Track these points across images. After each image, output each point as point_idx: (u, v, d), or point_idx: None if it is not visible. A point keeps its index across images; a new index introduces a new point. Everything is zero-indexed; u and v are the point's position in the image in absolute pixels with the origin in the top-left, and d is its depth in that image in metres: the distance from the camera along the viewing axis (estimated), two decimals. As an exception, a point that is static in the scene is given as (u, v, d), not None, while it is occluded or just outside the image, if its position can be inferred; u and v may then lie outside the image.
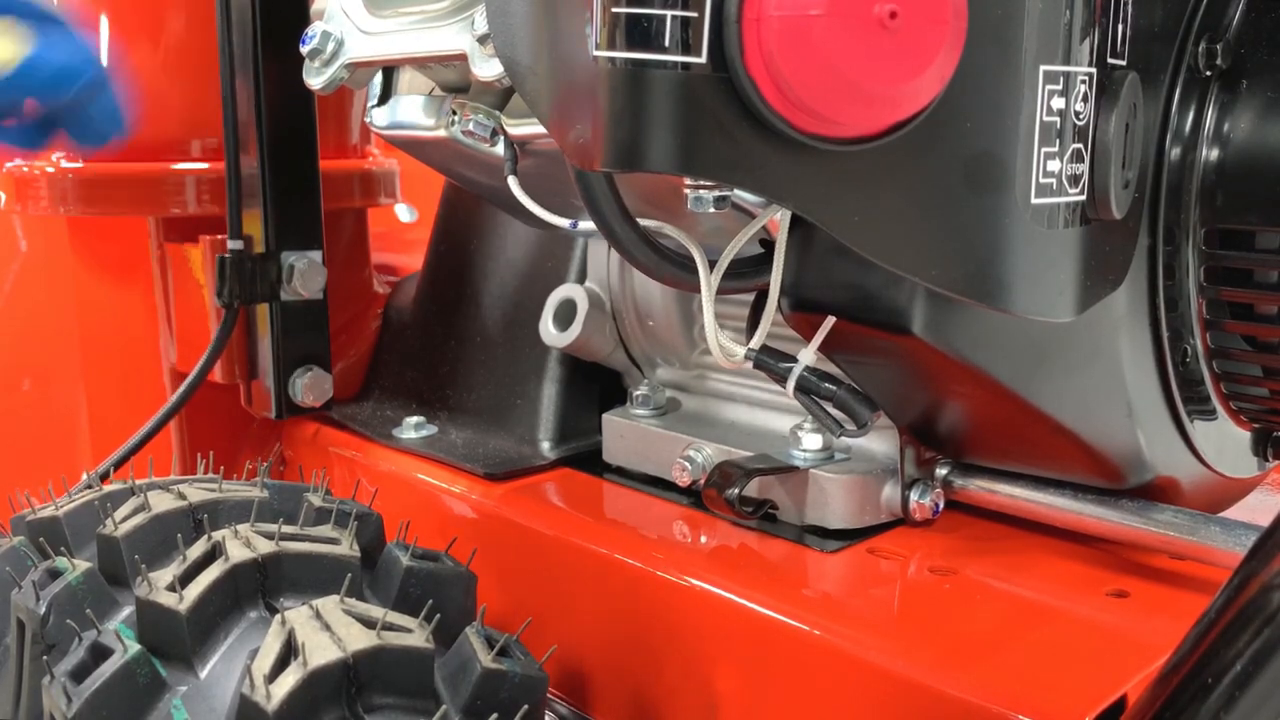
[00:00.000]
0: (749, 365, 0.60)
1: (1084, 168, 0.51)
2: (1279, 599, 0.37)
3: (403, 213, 1.43)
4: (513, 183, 0.66)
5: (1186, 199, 0.58)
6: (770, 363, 0.61)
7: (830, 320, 0.58)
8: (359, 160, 1.17)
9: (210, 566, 0.51)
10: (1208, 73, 0.58)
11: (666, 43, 0.44)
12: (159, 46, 1.06)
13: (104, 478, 0.72)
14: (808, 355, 0.60)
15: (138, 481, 0.62)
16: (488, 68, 0.59)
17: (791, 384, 0.60)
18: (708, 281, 0.58)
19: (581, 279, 0.85)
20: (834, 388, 0.60)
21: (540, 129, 0.61)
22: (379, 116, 0.72)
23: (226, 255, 0.93)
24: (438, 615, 0.50)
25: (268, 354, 0.93)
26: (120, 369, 1.07)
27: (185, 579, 0.51)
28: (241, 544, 0.53)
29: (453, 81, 0.68)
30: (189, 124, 1.06)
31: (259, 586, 0.52)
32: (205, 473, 0.66)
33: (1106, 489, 0.63)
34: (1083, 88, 0.50)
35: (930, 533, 0.67)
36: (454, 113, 0.67)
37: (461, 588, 0.56)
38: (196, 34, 1.01)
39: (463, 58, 0.61)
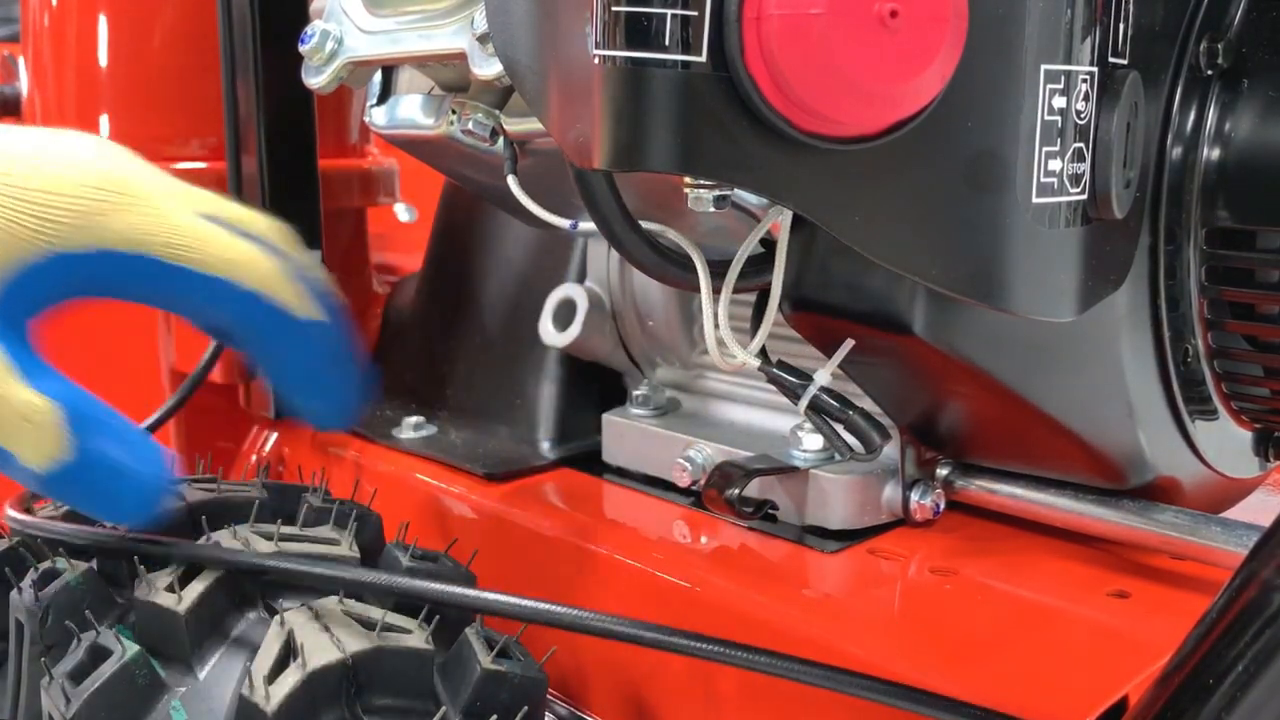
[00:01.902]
0: (749, 366, 0.60)
1: (1085, 167, 0.51)
2: (1280, 599, 0.37)
3: (402, 213, 1.43)
4: (512, 182, 0.65)
5: (1187, 199, 0.58)
6: (785, 378, 0.61)
7: (849, 343, 0.58)
8: (359, 160, 1.17)
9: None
10: (1209, 72, 0.58)
11: (666, 42, 0.43)
12: (159, 46, 1.06)
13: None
14: (823, 376, 0.60)
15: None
16: (488, 67, 0.59)
17: (804, 404, 0.60)
18: (707, 284, 0.58)
19: (581, 279, 0.85)
20: (848, 412, 0.60)
21: (540, 128, 0.61)
22: (378, 116, 0.72)
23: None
24: (437, 616, 0.50)
25: (267, 354, 0.93)
26: (120, 369, 1.07)
27: (184, 579, 0.51)
28: (240, 545, 0.53)
29: (453, 81, 0.68)
30: (189, 123, 1.06)
31: (258, 587, 0.52)
32: (204, 473, 0.66)
33: (1107, 489, 0.63)
34: (1084, 87, 0.50)
35: (931, 533, 0.67)
36: (454, 112, 0.67)
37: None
38: (196, 32, 1.01)
39: (462, 57, 0.61)
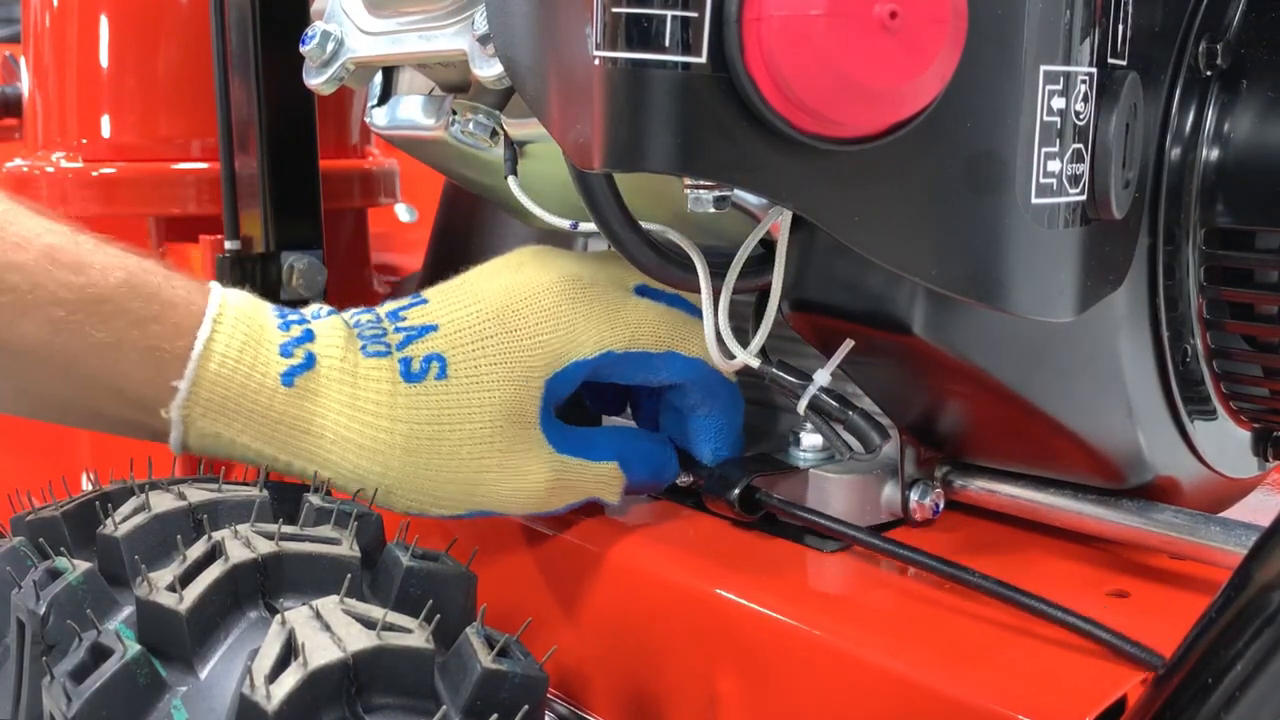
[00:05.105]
0: (749, 366, 0.60)
1: (1084, 168, 0.51)
2: (1279, 599, 0.37)
3: (403, 213, 1.43)
4: (512, 183, 0.66)
5: (1186, 199, 0.58)
6: (785, 378, 0.61)
7: (849, 343, 0.58)
8: (359, 160, 1.18)
9: (210, 567, 0.51)
10: (1208, 73, 0.58)
11: (666, 43, 0.44)
12: (160, 46, 1.07)
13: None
14: (823, 376, 0.60)
15: (138, 481, 0.62)
16: (488, 68, 0.59)
17: (804, 404, 0.60)
18: (707, 284, 0.58)
19: (581, 279, 0.84)
20: (847, 412, 0.60)
21: (540, 129, 0.61)
22: (379, 116, 0.72)
23: (225, 255, 0.93)
24: (438, 615, 0.50)
25: (268, 354, 0.94)
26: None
27: (185, 579, 0.51)
28: (241, 544, 0.53)
29: (453, 81, 0.68)
30: (190, 123, 1.06)
31: (259, 587, 0.52)
32: (205, 473, 0.66)
33: (1106, 489, 0.63)
34: (1083, 88, 0.50)
35: (930, 533, 0.67)
36: (454, 113, 0.67)
37: (461, 588, 0.55)
38: (197, 33, 1.01)
39: (463, 58, 0.61)
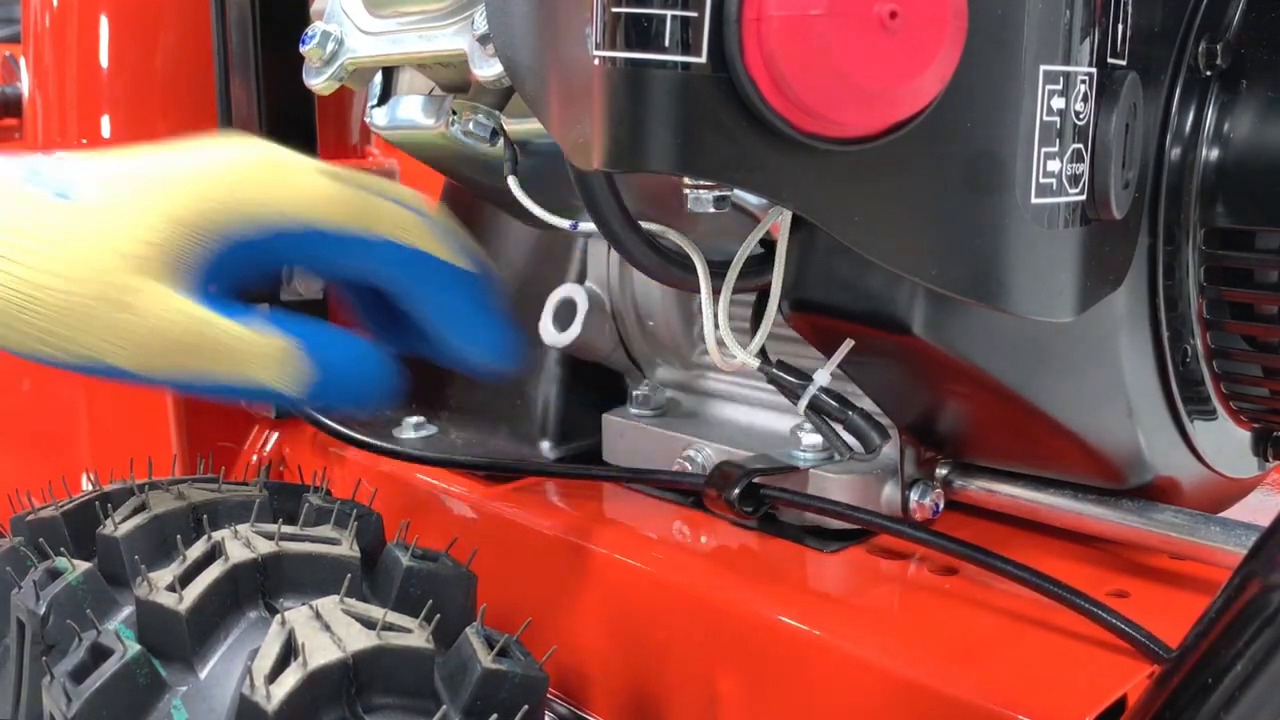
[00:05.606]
0: (749, 366, 0.60)
1: (1084, 168, 0.51)
2: (1279, 599, 0.37)
3: (402, 213, 1.43)
4: (512, 183, 0.66)
5: (1186, 199, 0.58)
6: (784, 378, 0.61)
7: (849, 343, 0.58)
8: (359, 160, 1.17)
9: (210, 567, 0.51)
10: (1208, 73, 0.58)
11: (666, 42, 0.44)
12: (160, 46, 1.06)
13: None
14: (823, 376, 0.60)
15: (138, 481, 0.62)
16: (488, 68, 0.59)
17: (804, 404, 0.60)
18: (707, 284, 0.58)
19: (581, 279, 0.85)
20: (847, 412, 0.60)
21: (540, 128, 0.61)
22: (379, 116, 0.72)
23: (225, 254, 0.93)
24: (438, 615, 0.50)
25: (267, 354, 0.93)
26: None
27: (185, 579, 0.51)
28: (241, 544, 0.53)
29: (453, 81, 0.68)
30: (190, 123, 1.06)
31: (259, 587, 0.52)
32: (205, 473, 0.66)
33: (1106, 489, 0.63)
34: (1083, 88, 0.50)
35: (930, 533, 0.67)
36: (454, 113, 0.67)
37: (461, 588, 0.56)
38: (198, 33, 1.01)
39: (463, 58, 0.61)
